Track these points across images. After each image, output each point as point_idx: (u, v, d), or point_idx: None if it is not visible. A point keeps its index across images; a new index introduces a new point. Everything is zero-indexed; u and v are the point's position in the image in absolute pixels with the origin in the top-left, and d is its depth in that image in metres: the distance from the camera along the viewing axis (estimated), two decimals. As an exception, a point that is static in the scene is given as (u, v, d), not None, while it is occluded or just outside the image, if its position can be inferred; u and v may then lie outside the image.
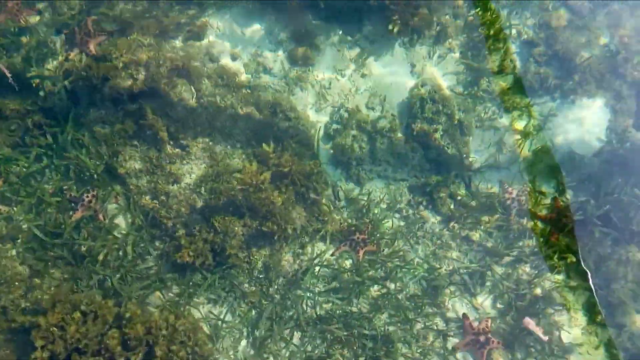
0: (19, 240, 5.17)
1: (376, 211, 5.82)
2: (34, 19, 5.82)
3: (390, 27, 5.94)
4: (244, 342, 5.22)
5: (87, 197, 5.26)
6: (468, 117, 6.21)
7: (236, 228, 5.20)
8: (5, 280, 4.79)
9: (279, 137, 5.84)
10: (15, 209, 5.24)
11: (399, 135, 6.12)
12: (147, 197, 5.49)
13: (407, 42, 6.40)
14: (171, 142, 5.70)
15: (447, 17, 6.49)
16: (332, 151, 6.08)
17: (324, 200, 5.69)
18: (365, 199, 5.80)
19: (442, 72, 6.47)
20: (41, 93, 5.55)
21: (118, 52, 5.41)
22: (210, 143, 5.79)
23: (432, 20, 6.25)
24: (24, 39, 5.75)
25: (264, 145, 5.62)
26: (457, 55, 6.52)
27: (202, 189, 5.48)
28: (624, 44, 6.46)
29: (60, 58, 5.74)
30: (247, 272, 5.35)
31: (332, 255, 5.60)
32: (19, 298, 4.76)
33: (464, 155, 6.06)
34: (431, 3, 6.18)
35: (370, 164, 6.06)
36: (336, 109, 6.26)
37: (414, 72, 6.42)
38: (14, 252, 5.10)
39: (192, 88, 5.88)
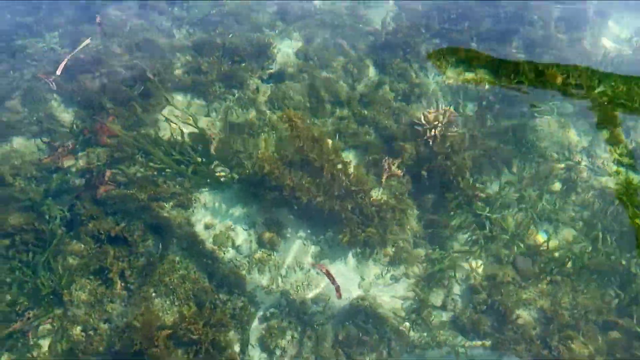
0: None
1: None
2: (70, 162, 7.40)
3: (340, 236, 6.58)
4: None
5: (28, 314, 5.95)
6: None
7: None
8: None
9: (215, 305, 6.29)
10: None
11: (328, 335, 6.25)
12: (78, 328, 6.02)
13: (360, 254, 6.89)
14: (122, 284, 6.40)
15: (403, 242, 6.98)
16: (263, 332, 6.31)
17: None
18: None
19: (389, 293, 6.74)
20: (46, 216, 6.77)
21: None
22: (154, 294, 6.38)
23: (385, 239, 6.78)
24: (55, 176, 7.26)
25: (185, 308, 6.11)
26: (412, 281, 6.80)
27: (124, 335, 5.90)
28: None
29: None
30: None
31: None
32: None
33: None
34: (386, 224, 6.80)
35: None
36: (282, 296, 6.64)
37: (361, 285, 6.77)
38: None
39: (160, 244, 6.77)
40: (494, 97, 8.62)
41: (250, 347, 6.26)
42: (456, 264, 6.74)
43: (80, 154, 7.56)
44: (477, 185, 7.33)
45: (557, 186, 7.58)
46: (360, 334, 6.20)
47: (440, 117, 7.40)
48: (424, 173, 7.17)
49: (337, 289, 6.04)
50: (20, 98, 8.80)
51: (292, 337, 6.37)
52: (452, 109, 7.90)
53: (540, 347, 6.04)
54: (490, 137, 7.97)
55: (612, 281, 6.58)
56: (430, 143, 7.36)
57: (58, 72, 8.55)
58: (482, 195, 7.20)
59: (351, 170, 6.79)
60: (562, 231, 7.15)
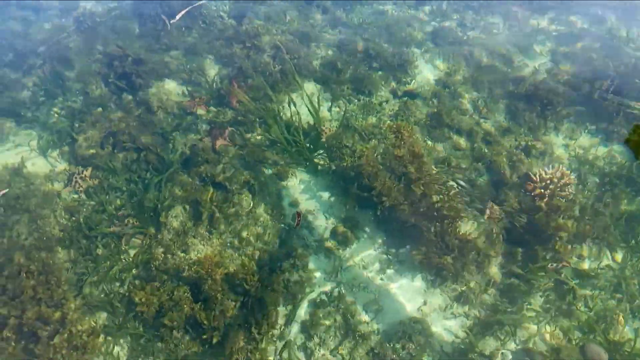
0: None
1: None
2: (202, 112, 8.38)
3: (414, 252, 6.57)
4: None
5: (128, 221, 6.87)
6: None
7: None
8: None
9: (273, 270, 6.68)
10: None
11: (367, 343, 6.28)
12: (161, 249, 6.80)
13: (429, 280, 6.80)
14: (207, 226, 7.08)
15: (474, 283, 6.75)
16: (308, 315, 6.54)
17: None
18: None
19: (444, 321, 6.55)
20: (170, 146, 7.75)
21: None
22: (229, 243, 6.97)
23: (459, 273, 6.61)
24: (188, 118, 8.27)
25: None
26: (468, 322, 6.56)
27: (192, 267, 6.53)
28: None
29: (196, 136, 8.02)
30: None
31: None
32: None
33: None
34: (465, 261, 6.63)
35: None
36: (335, 285, 6.81)
37: (421, 308, 6.67)
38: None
39: (252, 202, 7.37)
40: (619, 179, 7.98)
41: (294, 323, 6.51)
42: (520, 323, 6.35)
43: (212, 107, 8.52)
44: (571, 252, 6.84)
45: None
46: (394, 355, 6.12)
47: (557, 178, 7.07)
48: (522, 222, 6.88)
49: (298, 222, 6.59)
50: (183, 51, 10.17)
51: (335, 332, 6.48)
52: (571, 174, 7.47)
53: None
54: (600, 216, 7.38)
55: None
56: (538, 199, 7.06)
57: (177, 18, 10.19)
58: (572, 264, 6.70)
59: (449, 196, 6.74)
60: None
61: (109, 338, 6.18)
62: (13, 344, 5.58)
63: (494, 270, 6.86)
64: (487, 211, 7.18)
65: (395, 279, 6.89)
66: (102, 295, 6.47)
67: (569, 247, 6.77)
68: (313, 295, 6.74)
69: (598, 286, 6.72)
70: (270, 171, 7.84)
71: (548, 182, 7.13)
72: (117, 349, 6.17)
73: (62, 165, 7.87)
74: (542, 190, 7.05)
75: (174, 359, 5.99)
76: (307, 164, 7.86)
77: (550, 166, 7.97)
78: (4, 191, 6.84)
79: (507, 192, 7.48)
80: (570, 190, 7.29)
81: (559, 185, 7.09)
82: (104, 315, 6.35)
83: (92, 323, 6.15)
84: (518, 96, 9.41)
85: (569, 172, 7.62)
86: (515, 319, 6.36)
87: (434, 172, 6.73)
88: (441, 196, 6.56)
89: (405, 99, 9.27)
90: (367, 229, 7.32)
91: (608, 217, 7.27)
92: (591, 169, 8.29)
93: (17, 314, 5.63)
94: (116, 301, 6.39)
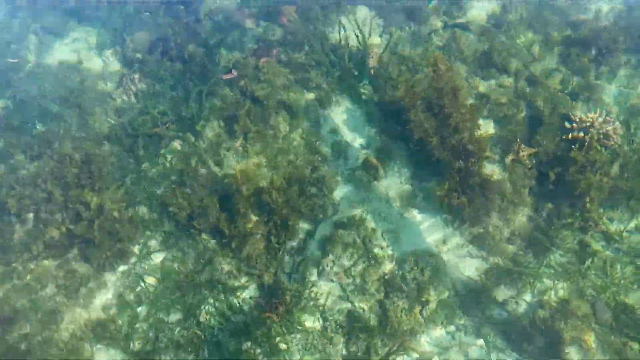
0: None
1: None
2: (250, 25, 8.31)
3: (436, 188, 6.57)
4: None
5: (168, 125, 7.23)
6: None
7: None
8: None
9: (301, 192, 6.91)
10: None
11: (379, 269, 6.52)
12: (195, 159, 7.16)
13: (449, 221, 6.84)
14: (242, 141, 7.32)
15: (494, 228, 6.70)
16: (327, 236, 6.82)
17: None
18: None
19: (455, 256, 6.66)
20: (215, 59, 7.87)
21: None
22: (264, 162, 7.22)
23: (479, 219, 6.58)
24: (235, 32, 8.28)
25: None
26: (485, 266, 6.60)
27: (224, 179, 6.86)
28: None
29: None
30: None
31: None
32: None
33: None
34: (488, 205, 6.55)
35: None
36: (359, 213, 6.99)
37: (439, 244, 6.76)
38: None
39: (288, 124, 7.49)
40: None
41: (312, 241, 6.81)
42: (539, 276, 6.34)
43: (261, 22, 8.45)
44: (603, 215, 6.58)
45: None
46: (404, 285, 6.32)
47: (599, 125, 6.62)
48: (552, 177, 6.64)
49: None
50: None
51: (352, 253, 6.74)
52: (618, 124, 6.93)
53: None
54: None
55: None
56: (574, 148, 6.68)
57: None
58: (602, 228, 6.47)
59: (478, 133, 6.55)
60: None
61: (147, 232, 6.77)
62: (60, 220, 6.27)
63: (521, 220, 6.75)
64: (514, 151, 6.89)
65: (417, 213, 6.96)
66: (141, 193, 6.99)
67: (600, 210, 6.49)
68: (336, 218, 6.96)
69: (621, 250, 6.50)
70: (312, 95, 7.84)
71: (589, 125, 6.67)
72: (152, 242, 6.76)
73: (115, 66, 8.24)
74: (581, 134, 6.62)
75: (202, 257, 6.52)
76: (352, 92, 7.78)
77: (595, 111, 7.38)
78: (15, 60, 7.25)
79: (543, 134, 7.09)
80: (614, 140, 6.80)
81: (601, 131, 6.63)
82: (143, 209, 6.90)
83: (129, 214, 6.72)
84: (575, 40, 8.64)
85: (615, 120, 7.06)
86: (537, 272, 6.33)
87: (469, 105, 6.47)
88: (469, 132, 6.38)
89: (455, 30, 8.80)
90: (398, 162, 7.32)
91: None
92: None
93: (62, 192, 6.24)
94: (153, 200, 6.90)
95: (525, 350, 5.92)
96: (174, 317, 6.31)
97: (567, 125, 6.87)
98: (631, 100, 7.83)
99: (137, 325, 6.24)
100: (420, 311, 6.20)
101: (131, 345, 6.14)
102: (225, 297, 6.40)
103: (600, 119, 6.77)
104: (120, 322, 6.26)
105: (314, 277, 6.59)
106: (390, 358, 6.00)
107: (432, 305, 6.22)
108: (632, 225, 6.63)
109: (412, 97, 6.65)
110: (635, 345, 5.73)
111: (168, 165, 7.23)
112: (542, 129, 7.13)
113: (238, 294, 6.41)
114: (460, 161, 6.43)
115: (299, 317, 6.28)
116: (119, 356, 6.10)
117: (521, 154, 6.86)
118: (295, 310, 6.30)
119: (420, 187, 7.11)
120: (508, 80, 7.96)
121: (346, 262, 6.66)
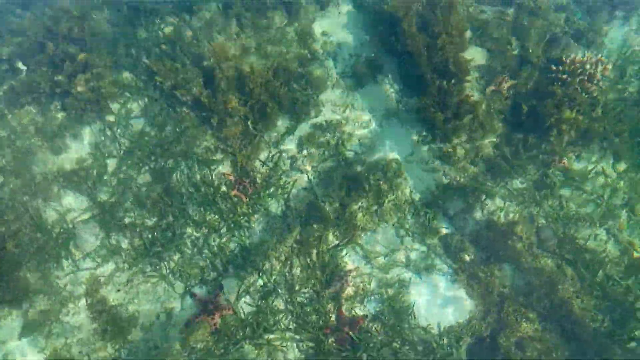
0: None
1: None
2: None
3: (417, 101, 6.74)
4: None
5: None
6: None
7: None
8: None
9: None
10: None
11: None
12: (190, 33, 7.18)
13: (422, 138, 7.08)
14: (236, 27, 7.33)
15: (461, 149, 6.90)
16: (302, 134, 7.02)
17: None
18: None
19: (420, 169, 6.96)
20: None
21: None
22: (253, 49, 7.27)
23: (449, 137, 6.79)
24: None
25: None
26: (445, 181, 6.89)
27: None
28: None
29: None
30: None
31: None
32: None
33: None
34: (458, 125, 6.72)
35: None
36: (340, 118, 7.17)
37: (407, 155, 7.02)
38: None
39: (285, 20, 7.49)
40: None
41: (290, 137, 7.02)
42: (493, 195, 6.63)
43: None
44: (570, 152, 6.79)
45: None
46: (366, 185, 6.60)
47: (588, 67, 6.67)
48: (525, 108, 6.78)
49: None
50: None
51: (323, 153, 6.97)
52: (609, 66, 6.88)
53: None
54: (622, 123, 6.99)
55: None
56: (555, 83, 6.77)
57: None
58: (566, 164, 6.71)
59: (463, 57, 6.63)
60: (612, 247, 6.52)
61: (127, 94, 6.91)
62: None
63: (488, 146, 6.95)
64: (497, 83, 7.00)
65: (396, 125, 7.14)
66: (129, 59, 7.08)
67: (569, 145, 6.68)
68: (317, 120, 7.12)
69: (582, 189, 6.77)
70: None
71: (578, 69, 6.73)
72: (134, 105, 6.92)
73: None
74: (567, 77, 6.70)
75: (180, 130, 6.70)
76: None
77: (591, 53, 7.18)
78: None
79: (530, 69, 7.17)
80: (600, 85, 6.82)
81: (588, 75, 6.70)
82: (127, 74, 7.01)
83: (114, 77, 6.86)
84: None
85: (609, 63, 6.96)
86: (492, 191, 6.62)
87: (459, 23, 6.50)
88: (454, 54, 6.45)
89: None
90: (387, 74, 7.39)
91: (628, 124, 6.93)
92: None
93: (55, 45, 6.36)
94: (139, 67, 7.00)
95: (461, 260, 6.30)
96: (144, 178, 6.59)
97: (553, 67, 6.93)
98: (634, 47, 7.76)
99: (106, 178, 6.52)
100: (375, 211, 6.53)
101: (98, 195, 6.45)
102: (199, 168, 6.65)
103: (593, 60, 6.78)
104: (90, 172, 6.52)
105: (286, 167, 6.87)
106: (339, 251, 6.40)
107: (387, 208, 6.54)
108: (598, 167, 6.87)
109: (406, 9, 6.66)
110: (569, 270, 6.13)
111: (161, 35, 7.24)
112: (529, 66, 7.20)
113: (212, 167, 6.66)
114: (443, 82, 6.55)
115: (265, 200, 6.59)
116: (85, 203, 6.42)
117: (502, 85, 6.96)
118: (263, 193, 6.61)
119: (403, 102, 7.23)
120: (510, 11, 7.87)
121: (317, 159, 6.92)
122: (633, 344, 5.86)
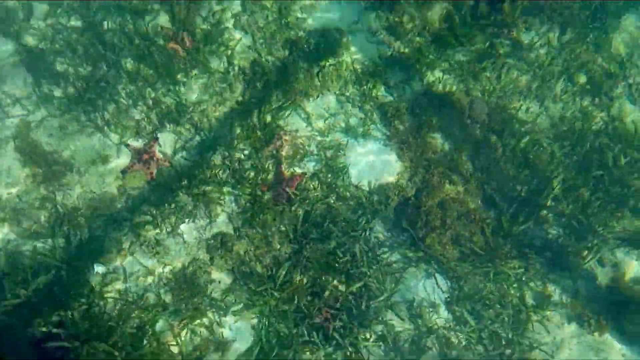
0: None
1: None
2: None
3: None
4: None
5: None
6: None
7: None
8: None
9: None
10: None
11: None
12: None
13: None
14: None
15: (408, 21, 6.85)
16: None
17: None
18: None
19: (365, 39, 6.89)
20: None
21: None
22: None
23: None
24: None
25: None
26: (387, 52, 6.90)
27: None
28: None
29: None
30: None
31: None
32: None
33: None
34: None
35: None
36: None
37: (353, 25, 6.92)
38: None
39: None
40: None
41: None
42: (434, 67, 6.72)
43: None
44: (521, 22, 6.87)
45: (582, 79, 7.13)
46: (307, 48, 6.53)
47: None
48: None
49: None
50: None
51: (266, 16, 6.74)
52: None
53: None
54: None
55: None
56: None
57: None
58: (514, 35, 6.79)
59: None
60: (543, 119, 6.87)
61: None
62: None
63: (437, 15, 6.90)
64: None
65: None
66: None
67: (516, 15, 6.69)
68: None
69: (524, 59, 6.94)
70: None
71: None
72: None
73: None
74: None
75: None
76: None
77: None
78: None
79: None
80: None
81: None
82: None
83: None
84: None
85: None
86: (433, 62, 6.69)
87: None
88: None
89: None
90: None
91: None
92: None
93: None
94: None
95: (395, 127, 6.52)
96: (74, 22, 6.22)
97: None
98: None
99: (33, 22, 6.11)
100: (317, 74, 6.52)
101: (25, 38, 6.08)
102: (131, 19, 6.31)
103: None
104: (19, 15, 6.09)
105: (229, 25, 6.63)
106: (280, 112, 6.43)
107: (328, 71, 6.55)
108: (545, 39, 7.03)
109: None
110: (494, 137, 6.47)
111: None
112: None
113: (147, 18, 6.33)
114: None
115: (205, 56, 6.41)
116: (10, 46, 6.05)
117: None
118: (202, 48, 6.41)
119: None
120: None
121: (261, 21, 6.72)
122: (544, 212, 6.39)
